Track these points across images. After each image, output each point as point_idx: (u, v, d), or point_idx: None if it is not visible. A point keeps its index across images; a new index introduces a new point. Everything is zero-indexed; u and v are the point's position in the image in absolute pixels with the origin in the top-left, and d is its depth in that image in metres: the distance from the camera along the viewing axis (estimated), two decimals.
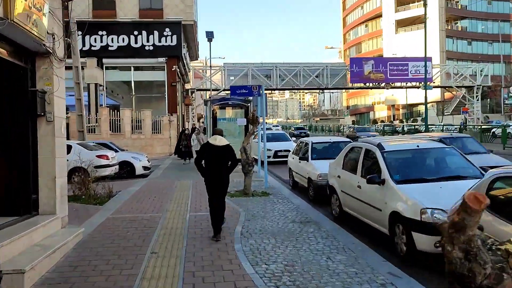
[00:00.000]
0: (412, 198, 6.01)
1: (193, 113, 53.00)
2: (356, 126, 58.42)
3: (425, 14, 33.87)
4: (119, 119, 25.95)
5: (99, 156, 14.34)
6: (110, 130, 25.77)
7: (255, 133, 10.86)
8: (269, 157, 19.08)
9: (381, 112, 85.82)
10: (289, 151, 20.26)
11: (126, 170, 16.49)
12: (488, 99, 66.69)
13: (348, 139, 12.05)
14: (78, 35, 28.11)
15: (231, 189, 11.50)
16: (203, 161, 7.19)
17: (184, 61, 33.36)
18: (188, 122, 51.48)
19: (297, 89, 52.54)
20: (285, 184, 13.77)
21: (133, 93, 30.84)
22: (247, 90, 12.08)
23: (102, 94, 29.85)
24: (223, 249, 6.25)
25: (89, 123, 25.92)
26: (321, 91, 56.93)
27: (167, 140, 27.39)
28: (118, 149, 18.41)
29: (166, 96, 30.29)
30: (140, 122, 27.00)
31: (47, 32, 6.34)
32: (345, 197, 8.10)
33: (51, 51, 6.63)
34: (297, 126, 55.32)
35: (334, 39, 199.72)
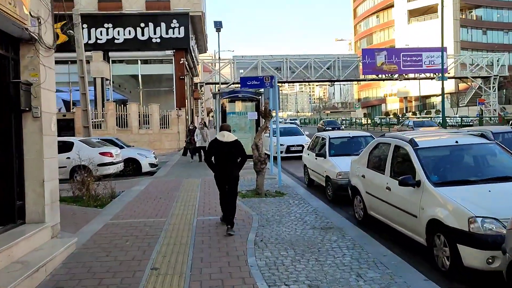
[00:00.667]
0: (456, 204, 5.09)
1: (202, 107, 52.27)
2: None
3: (442, 1, 32.50)
4: (126, 114, 25.24)
5: (102, 154, 13.58)
6: (117, 125, 25.09)
7: (268, 128, 9.99)
8: (281, 152, 18.21)
9: (393, 105, 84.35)
10: (302, 146, 19.48)
11: (131, 168, 15.74)
12: (504, 90, 64.91)
13: (368, 134, 11.12)
14: (83, 28, 27.51)
15: (242, 189, 10.67)
16: (212, 157, 7.20)
17: (193, 54, 32.52)
18: (198, 116, 50.82)
19: (308, 81, 51.45)
20: (300, 182, 12.89)
21: (141, 87, 30.10)
22: (258, 82, 11.18)
23: (108, 88, 29.21)
24: (235, 263, 5.40)
25: (96, 119, 25.30)
26: (331, 83, 55.80)
27: (176, 135, 26.64)
28: (124, 145, 17.69)
29: (174, 90, 29.50)
30: (148, 117, 26.28)
31: (31, 14, 5.51)
32: (370, 199, 7.20)
33: (36, 37, 5.80)
34: (328, 119, 52.32)
35: (344, 31, 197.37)
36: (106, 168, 13.60)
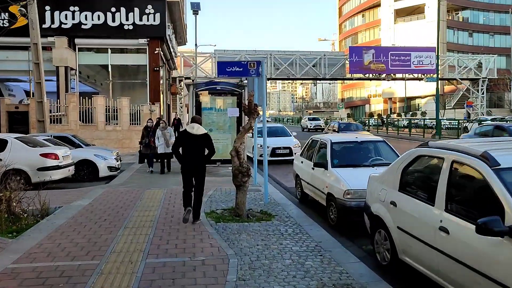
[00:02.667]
0: None
1: (181, 103, 49.43)
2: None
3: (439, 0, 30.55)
4: (91, 108, 22.40)
5: (44, 155, 10.90)
6: (81, 120, 22.25)
7: (252, 128, 7.52)
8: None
9: (377, 105, 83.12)
10: (289, 148, 17.08)
11: (86, 172, 13.08)
12: (489, 93, 63.97)
13: (379, 138, 8.72)
14: (45, 10, 24.57)
15: (216, 206, 8.20)
16: (180, 148, 7.29)
17: (169, 44, 29.78)
18: (176, 113, 47.97)
19: (293, 79, 49.20)
20: (289, 194, 10.49)
21: (110, 79, 27.22)
22: (241, 68, 8.64)
23: (74, 79, 26.29)
24: None
25: (57, 112, 22.43)
26: (316, 82, 53.62)
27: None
28: (81, 144, 14.99)
29: (148, 82, 26.74)
30: (117, 112, 23.50)
31: None
32: (406, 240, 4.81)
33: None
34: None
35: (327, 30, 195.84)
36: (50, 173, 10.94)
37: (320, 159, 8.43)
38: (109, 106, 23.28)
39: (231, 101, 12.65)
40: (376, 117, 65.83)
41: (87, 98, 22.07)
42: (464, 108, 52.29)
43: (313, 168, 8.57)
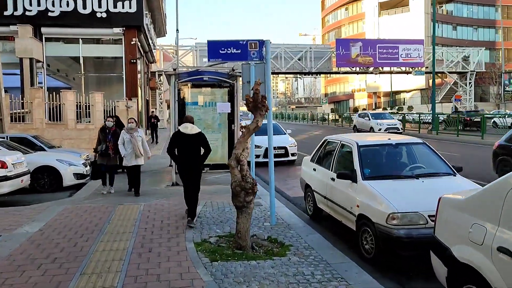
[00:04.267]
0: None
1: (161, 99, 47.00)
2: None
3: None
4: (60, 104, 20.00)
5: None
6: (47, 118, 19.85)
7: (259, 128, 5.47)
8: (257, 156, 14.04)
9: (361, 100, 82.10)
10: (284, 148, 15.13)
11: (47, 181, 10.90)
12: (474, 87, 63.32)
13: (418, 140, 6.77)
14: None
15: (209, 232, 6.20)
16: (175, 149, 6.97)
17: (147, 34, 27.44)
18: (156, 109, 45.56)
19: (278, 73, 47.16)
20: (294, 205, 8.58)
21: (82, 72, 24.77)
22: (238, 49, 6.54)
23: (41, 72, 23.79)
24: None
25: (21, 109, 19.96)
26: (297, 77, 51.74)
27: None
28: (44, 147, 12.75)
29: (124, 76, 24.40)
30: (89, 108, 21.16)
31: None
32: None
33: None
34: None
35: (309, 26, 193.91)
36: None
37: (344, 168, 6.48)
38: (81, 102, 20.95)
39: (221, 95, 10.58)
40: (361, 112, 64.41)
41: (54, 93, 19.66)
42: (452, 102, 51.32)
43: (332, 179, 6.63)
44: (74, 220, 7.18)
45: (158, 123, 26.40)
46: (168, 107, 52.03)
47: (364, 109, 70.63)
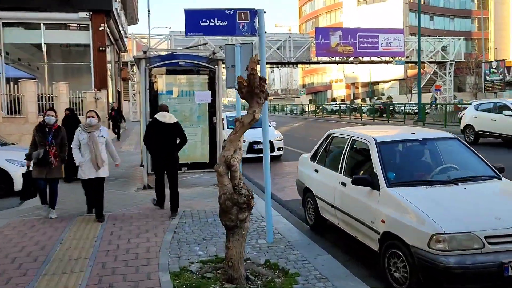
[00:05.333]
0: None
1: (133, 90, 44.85)
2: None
3: None
4: (19, 96, 18.07)
5: None
6: (4, 111, 17.90)
7: (257, 120, 4.08)
8: None
9: (339, 91, 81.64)
10: (270, 142, 13.82)
11: None
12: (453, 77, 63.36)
13: (449, 134, 5.43)
14: None
15: (189, 254, 4.79)
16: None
17: (117, 21, 25.54)
18: (129, 101, 43.48)
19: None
20: (289, 212, 7.25)
21: (45, 60, 22.75)
22: (224, 21, 5.02)
23: None
24: None
25: None
26: (274, 67, 50.26)
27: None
28: None
29: (92, 65, 22.52)
30: (53, 100, 19.29)
31: None
32: None
33: None
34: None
35: (285, 17, 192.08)
36: None
37: (358, 170, 5.15)
38: (44, 94, 19.06)
39: (200, 82, 9.09)
40: (340, 102, 63.57)
41: (11, 83, 17.72)
42: (431, 92, 50.96)
43: (343, 184, 5.30)
44: (15, 240, 5.64)
45: (121, 118, 22.94)
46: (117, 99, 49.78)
47: (342, 100, 69.87)
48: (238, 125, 4.04)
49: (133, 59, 35.59)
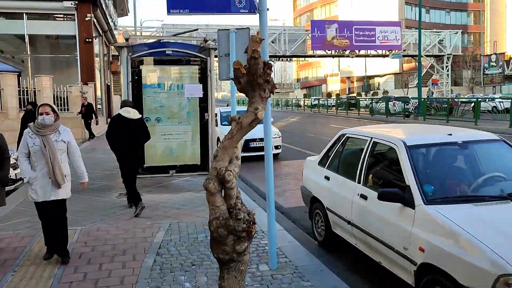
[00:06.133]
0: None
1: None
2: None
3: None
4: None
5: None
6: None
7: (260, 120, 3.10)
8: None
9: (334, 85, 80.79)
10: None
11: None
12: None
13: (496, 136, 4.42)
14: None
15: None
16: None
17: (105, 11, 24.32)
18: (120, 95, 42.23)
19: None
20: (292, 223, 6.26)
21: (28, 53, 21.53)
22: None
23: None
24: None
25: None
26: (273, 60, 49.17)
27: (79, 121, 18.71)
28: None
29: (79, 57, 21.33)
30: (36, 95, 18.16)
31: None
32: None
33: None
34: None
35: (279, 11, 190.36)
36: None
37: (385, 181, 4.15)
38: (27, 88, 17.92)
39: (190, 74, 8.03)
40: (335, 97, 62.48)
41: None
42: (428, 86, 50.19)
43: (363, 197, 4.31)
44: None
45: (94, 114, 18.96)
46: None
47: (338, 95, 68.83)
48: (235, 126, 3.02)
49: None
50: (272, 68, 3.05)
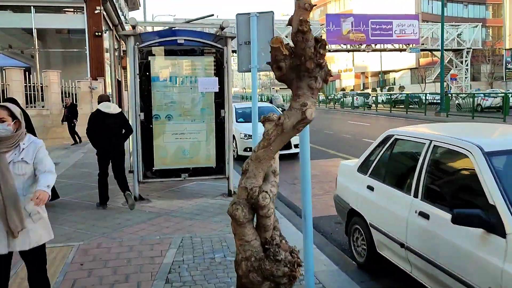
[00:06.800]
0: None
1: None
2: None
3: None
4: (5, 85, 16.29)
5: None
6: None
7: (310, 120, 2.26)
8: (249, 149, 11.01)
9: (348, 81, 79.60)
10: None
11: None
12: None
13: None
14: None
15: None
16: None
17: (115, 4, 23.59)
18: (127, 91, 41.58)
19: None
20: (321, 234, 5.38)
21: (36, 47, 20.90)
22: None
23: None
24: None
25: None
26: None
27: (79, 121, 17.86)
28: None
29: (88, 51, 20.64)
30: (43, 91, 17.53)
31: None
32: None
33: None
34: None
35: (290, 6, 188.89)
36: None
37: (454, 196, 3.25)
38: (35, 84, 17.30)
39: (205, 66, 7.17)
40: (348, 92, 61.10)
41: (3, 72, 15.97)
42: (446, 81, 48.73)
43: (423, 215, 3.41)
44: None
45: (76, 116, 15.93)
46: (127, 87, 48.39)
47: (352, 90, 67.56)
48: (273, 130, 2.14)
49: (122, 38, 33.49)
50: (327, 47, 2.16)
